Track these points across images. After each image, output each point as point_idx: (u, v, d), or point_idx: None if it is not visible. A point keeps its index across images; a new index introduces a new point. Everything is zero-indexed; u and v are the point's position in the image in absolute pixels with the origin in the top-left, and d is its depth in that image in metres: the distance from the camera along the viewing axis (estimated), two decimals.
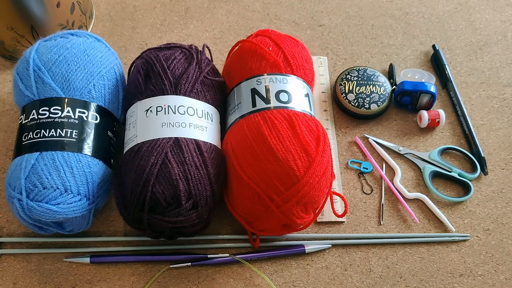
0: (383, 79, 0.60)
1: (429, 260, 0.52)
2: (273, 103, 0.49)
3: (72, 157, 0.45)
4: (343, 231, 0.53)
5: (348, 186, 0.56)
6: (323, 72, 0.64)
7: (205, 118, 0.49)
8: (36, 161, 0.44)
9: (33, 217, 0.44)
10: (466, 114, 0.60)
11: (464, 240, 0.54)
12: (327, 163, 0.46)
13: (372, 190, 0.56)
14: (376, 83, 0.59)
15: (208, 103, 0.50)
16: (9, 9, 0.54)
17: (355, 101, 0.58)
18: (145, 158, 0.44)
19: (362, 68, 0.61)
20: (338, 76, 0.61)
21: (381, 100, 0.58)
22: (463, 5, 0.71)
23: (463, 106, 0.61)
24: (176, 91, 0.48)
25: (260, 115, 0.48)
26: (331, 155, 0.48)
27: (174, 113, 0.47)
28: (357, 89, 0.59)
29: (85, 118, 0.47)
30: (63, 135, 0.46)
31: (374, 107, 0.58)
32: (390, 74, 0.63)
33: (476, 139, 0.59)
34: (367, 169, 0.57)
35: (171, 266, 0.50)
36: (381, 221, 0.54)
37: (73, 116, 0.47)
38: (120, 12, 0.68)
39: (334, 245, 0.52)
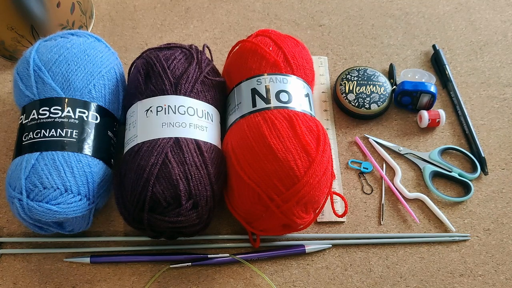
0: (383, 79, 0.60)
1: (429, 260, 0.52)
2: (273, 103, 0.49)
3: (72, 157, 0.45)
4: (343, 231, 0.53)
5: (348, 186, 0.56)
6: (323, 72, 0.64)
7: (205, 118, 0.49)
8: (36, 161, 0.44)
9: (33, 217, 0.44)
10: (466, 114, 0.60)
11: (464, 240, 0.54)
12: (327, 163, 0.46)
13: (372, 190, 0.56)
14: (376, 83, 0.59)
15: (208, 103, 0.50)
16: (9, 9, 0.54)
17: (355, 101, 0.58)
18: (145, 158, 0.44)
19: (362, 68, 0.61)
20: (338, 76, 0.61)
21: (381, 100, 0.58)
22: (463, 5, 0.71)
23: (463, 106, 0.61)
24: (176, 91, 0.48)
25: (260, 115, 0.48)
26: (331, 155, 0.48)
27: (174, 113, 0.47)
28: (357, 89, 0.59)
29: (85, 118, 0.47)
30: (63, 135, 0.46)
31: (374, 107, 0.58)
32: (390, 74, 0.63)
33: (476, 139, 0.59)
34: (367, 169, 0.57)
35: (171, 266, 0.50)
36: (381, 221, 0.54)
37: (73, 116, 0.47)
38: (120, 12, 0.68)
39: (334, 245, 0.52)
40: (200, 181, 0.44)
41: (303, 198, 0.44)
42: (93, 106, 0.49)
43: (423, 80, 0.61)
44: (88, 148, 0.47)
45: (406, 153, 0.58)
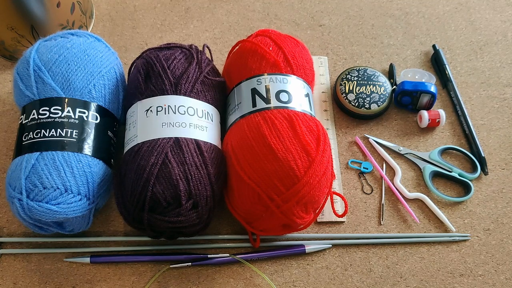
0: (383, 79, 0.60)
1: (430, 260, 0.52)
2: (273, 103, 0.49)
3: (72, 157, 0.45)
4: (343, 231, 0.53)
5: (348, 186, 0.56)
6: (323, 72, 0.64)
7: (205, 118, 0.49)
8: (36, 161, 0.44)
9: (33, 217, 0.44)
10: (466, 114, 0.60)
11: (465, 240, 0.54)
12: (327, 163, 0.46)
13: (372, 190, 0.56)
14: (376, 83, 0.59)
15: (208, 103, 0.50)
16: (10, 9, 0.54)
17: (355, 101, 0.58)
18: (145, 158, 0.44)
19: (362, 68, 0.61)
20: (338, 76, 0.61)
21: (381, 100, 0.58)
22: (463, 5, 0.71)
23: (463, 106, 0.61)
24: (176, 91, 0.48)
25: (260, 115, 0.48)
26: (331, 155, 0.48)
27: (174, 113, 0.47)
28: (357, 89, 0.59)
29: (85, 118, 0.47)
30: (63, 135, 0.46)
31: (374, 107, 0.58)
32: (390, 74, 0.63)
33: (476, 139, 0.59)
34: (367, 169, 0.57)
35: (171, 266, 0.50)
36: (381, 221, 0.54)
37: (73, 116, 0.47)
38: (120, 12, 0.68)
39: (334, 245, 0.52)
40: (200, 181, 0.44)
41: (303, 198, 0.44)
42: (93, 106, 0.49)
43: (423, 80, 0.61)
44: (88, 148, 0.47)
45: (406, 153, 0.58)
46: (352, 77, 0.60)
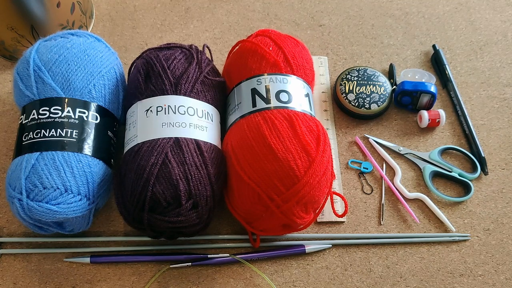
0: (383, 79, 0.60)
1: (429, 260, 0.52)
2: (273, 103, 0.49)
3: (72, 157, 0.45)
4: (343, 231, 0.53)
5: (348, 186, 0.56)
6: (323, 72, 0.64)
7: (205, 118, 0.49)
8: (36, 161, 0.44)
9: (33, 217, 0.44)
10: (466, 114, 0.60)
11: (464, 240, 0.54)
12: (327, 163, 0.46)
13: (372, 190, 0.56)
14: (376, 83, 0.59)
15: (208, 103, 0.50)
16: (10, 9, 0.54)
17: (355, 101, 0.58)
18: (145, 158, 0.44)
19: (362, 68, 0.61)
20: (338, 76, 0.61)
21: (381, 100, 0.58)
22: (463, 5, 0.71)
23: (463, 106, 0.61)
24: (176, 91, 0.48)
25: (260, 115, 0.48)
26: (331, 155, 0.48)
27: (174, 113, 0.47)
28: (357, 89, 0.59)
29: (85, 118, 0.47)
30: (63, 135, 0.46)
31: (374, 107, 0.58)
32: (390, 74, 0.63)
33: (477, 139, 0.59)
34: (367, 169, 0.57)
35: (171, 266, 0.50)
36: (381, 221, 0.54)
37: (73, 116, 0.47)
38: (120, 12, 0.68)
39: (334, 245, 0.52)
40: (200, 181, 0.44)
41: (303, 198, 0.44)
42: (93, 106, 0.49)
43: (423, 80, 0.61)
44: (88, 148, 0.47)
45: (406, 153, 0.58)
46: (352, 77, 0.60)
